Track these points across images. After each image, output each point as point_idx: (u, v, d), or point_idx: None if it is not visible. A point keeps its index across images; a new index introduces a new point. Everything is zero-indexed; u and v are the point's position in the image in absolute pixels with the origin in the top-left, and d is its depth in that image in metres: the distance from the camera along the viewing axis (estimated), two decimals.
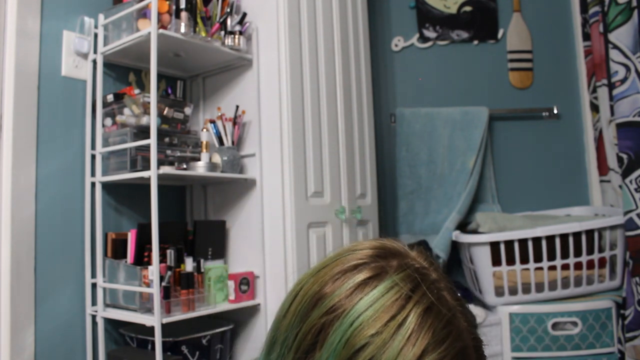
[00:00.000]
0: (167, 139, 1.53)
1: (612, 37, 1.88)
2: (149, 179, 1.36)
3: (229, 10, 1.60)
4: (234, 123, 1.64)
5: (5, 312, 1.31)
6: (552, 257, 1.85)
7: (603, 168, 2.18)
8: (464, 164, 2.21)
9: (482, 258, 1.90)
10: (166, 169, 1.43)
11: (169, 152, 1.51)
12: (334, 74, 1.77)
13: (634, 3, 1.84)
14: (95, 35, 1.56)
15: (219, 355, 1.51)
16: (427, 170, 2.24)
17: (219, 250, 1.65)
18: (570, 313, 1.83)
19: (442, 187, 2.23)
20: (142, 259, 1.45)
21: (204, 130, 1.61)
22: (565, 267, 1.86)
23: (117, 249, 1.51)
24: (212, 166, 1.55)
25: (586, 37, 2.26)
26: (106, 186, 1.55)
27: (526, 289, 1.88)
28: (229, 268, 1.66)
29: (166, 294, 1.36)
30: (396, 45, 2.38)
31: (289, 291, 0.55)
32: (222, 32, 1.59)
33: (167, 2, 1.45)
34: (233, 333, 1.61)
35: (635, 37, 1.84)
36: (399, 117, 2.28)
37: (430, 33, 2.36)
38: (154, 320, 1.31)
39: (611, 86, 1.94)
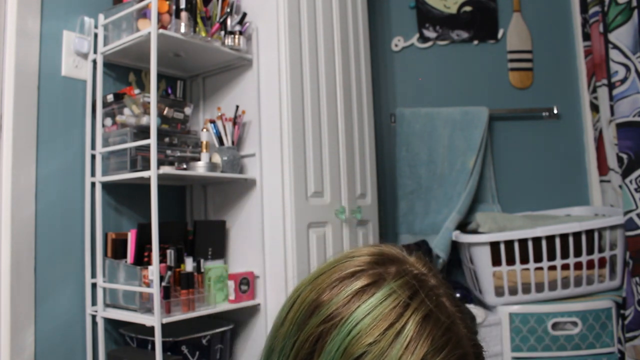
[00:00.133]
0: (167, 139, 1.53)
1: (612, 37, 1.88)
2: (149, 179, 1.35)
3: (229, 10, 1.60)
4: (234, 123, 1.64)
5: (5, 312, 1.31)
6: (552, 257, 1.85)
7: (603, 168, 2.18)
8: (464, 164, 2.21)
9: (482, 258, 1.90)
10: (166, 169, 1.43)
11: (169, 152, 1.51)
12: (334, 74, 1.77)
13: (634, 3, 1.84)
14: (95, 35, 1.56)
15: (219, 355, 1.51)
16: (427, 170, 2.24)
17: (219, 250, 1.65)
18: (570, 313, 1.83)
19: (442, 187, 2.23)
20: (142, 259, 1.44)
21: (204, 130, 1.61)
22: (565, 267, 1.86)
23: (117, 249, 1.51)
24: (212, 166, 1.55)
25: (586, 37, 2.26)
26: (106, 186, 1.54)
27: (526, 289, 1.88)
28: (229, 268, 1.66)
29: (166, 294, 1.36)
30: (396, 45, 2.38)
31: (287, 298, 0.55)
32: (222, 32, 1.59)
33: (167, 2, 1.45)
34: (233, 333, 1.61)
35: (635, 37, 1.84)
36: (399, 117, 2.28)
37: (430, 33, 2.36)
38: (154, 320, 1.31)
39: (611, 86, 1.94)
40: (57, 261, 1.45)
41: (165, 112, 1.54)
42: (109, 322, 1.51)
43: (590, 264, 1.87)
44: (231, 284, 1.55)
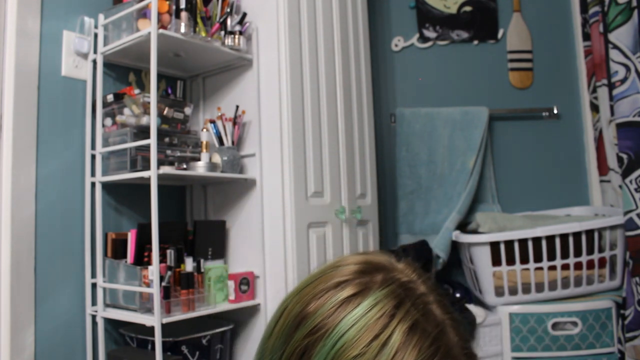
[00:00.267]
0: (167, 139, 1.53)
1: (612, 37, 1.88)
2: (149, 179, 1.35)
3: (229, 10, 1.60)
4: (234, 123, 1.64)
5: (5, 312, 1.31)
6: (552, 257, 1.85)
7: (603, 168, 2.18)
8: (464, 164, 2.21)
9: (482, 258, 1.90)
10: (166, 169, 1.43)
11: (169, 152, 1.51)
12: (334, 74, 1.77)
13: (634, 3, 1.84)
14: (95, 35, 1.56)
15: (219, 355, 1.51)
16: (427, 170, 2.24)
17: (219, 250, 1.65)
18: (570, 313, 1.83)
19: (442, 187, 2.23)
20: (142, 259, 1.44)
21: (204, 130, 1.61)
22: (565, 267, 1.86)
23: (117, 249, 1.51)
24: (212, 166, 1.55)
25: (586, 37, 2.26)
26: (106, 186, 1.54)
27: (526, 289, 1.88)
28: (229, 268, 1.66)
29: (166, 294, 1.36)
30: (396, 45, 2.38)
31: (275, 310, 0.54)
32: (222, 32, 1.59)
33: (167, 2, 1.45)
34: (233, 333, 1.61)
35: (635, 37, 1.84)
36: (399, 117, 2.28)
37: (430, 33, 2.36)
38: (154, 320, 1.31)
39: (611, 86, 1.94)
40: (57, 261, 1.45)
41: (165, 112, 1.54)
42: (109, 322, 1.51)
43: (590, 264, 1.87)
44: (231, 284, 1.55)
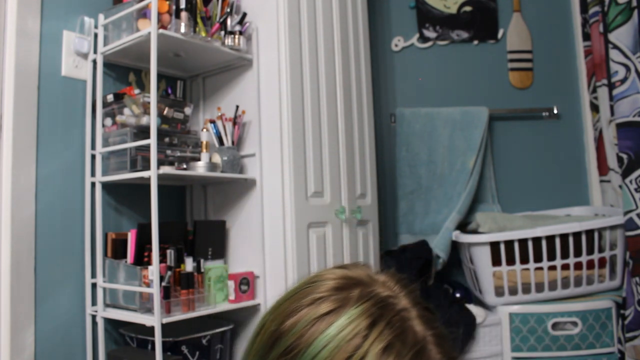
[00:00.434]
0: (167, 139, 1.53)
1: (612, 37, 1.88)
2: (149, 179, 1.35)
3: (229, 10, 1.60)
4: (234, 123, 1.64)
5: (5, 312, 1.31)
6: (552, 257, 1.85)
7: (603, 168, 2.18)
8: (464, 164, 2.21)
9: (482, 258, 1.90)
10: (166, 169, 1.43)
11: (169, 152, 1.51)
12: (334, 74, 1.77)
13: (634, 3, 1.84)
14: (95, 35, 1.56)
15: (219, 355, 1.51)
16: (427, 170, 2.24)
17: (219, 250, 1.65)
18: (570, 313, 1.83)
19: (442, 187, 2.23)
20: (142, 259, 1.44)
21: (204, 130, 1.61)
22: (565, 267, 1.86)
23: (117, 249, 1.51)
24: (212, 166, 1.55)
25: (586, 37, 2.26)
26: (106, 186, 1.54)
27: (526, 289, 1.88)
28: (229, 268, 1.66)
29: (166, 294, 1.36)
30: (396, 45, 2.38)
31: (255, 327, 0.53)
32: (222, 32, 1.59)
33: (167, 2, 1.45)
34: (233, 333, 1.61)
35: (635, 37, 1.84)
36: (399, 117, 2.28)
37: (430, 33, 2.36)
38: (154, 320, 1.31)
39: (611, 86, 1.94)
40: (57, 261, 1.45)
41: (165, 112, 1.54)
42: (109, 322, 1.51)
43: (590, 264, 1.87)
44: (231, 284, 1.55)
